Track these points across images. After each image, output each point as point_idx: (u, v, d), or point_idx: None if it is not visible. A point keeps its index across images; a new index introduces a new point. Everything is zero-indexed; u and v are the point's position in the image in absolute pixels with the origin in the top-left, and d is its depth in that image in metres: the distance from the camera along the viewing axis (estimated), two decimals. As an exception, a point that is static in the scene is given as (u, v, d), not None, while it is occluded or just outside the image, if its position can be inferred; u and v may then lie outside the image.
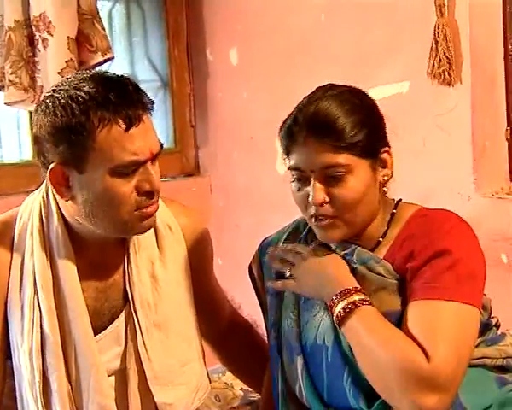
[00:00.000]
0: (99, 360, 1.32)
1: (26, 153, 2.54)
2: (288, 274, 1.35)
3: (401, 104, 2.01)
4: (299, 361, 1.32)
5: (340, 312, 1.22)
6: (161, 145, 1.29)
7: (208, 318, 1.56)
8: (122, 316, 1.37)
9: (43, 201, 1.36)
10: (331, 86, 1.31)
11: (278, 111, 2.50)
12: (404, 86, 2.03)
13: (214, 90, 2.79)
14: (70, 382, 1.31)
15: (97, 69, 2.24)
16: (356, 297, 1.22)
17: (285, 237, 1.45)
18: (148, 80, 2.78)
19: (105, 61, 2.43)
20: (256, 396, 1.74)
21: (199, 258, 1.50)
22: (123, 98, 1.21)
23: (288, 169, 1.30)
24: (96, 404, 1.31)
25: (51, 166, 1.25)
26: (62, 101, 1.22)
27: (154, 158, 1.27)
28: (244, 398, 1.79)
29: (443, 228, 1.24)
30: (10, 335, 1.33)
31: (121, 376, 1.37)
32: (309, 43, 2.37)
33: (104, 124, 1.20)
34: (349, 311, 1.22)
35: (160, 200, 1.43)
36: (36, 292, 1.31)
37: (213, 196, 2.84)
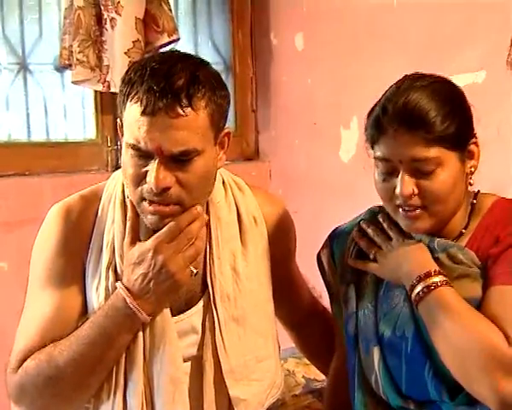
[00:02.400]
0: (173, 333, 1.32)
1: (90, 132, 2.57)
2: (372, 256, 1.36)
3: (476, 95, 1.94)
4: (376, 352, 1.32)
5: (419, 292, 1.23)
6: (190, 151, 1.22)
7: (288, 305, 1.57)
8: (200, 304, 1.37)
9: None
10: (419, 76, 1.30)
11: (343, 97, 2.52)
12: (479, 76, 1.97)
13: (277, 74, 2.77)
14: (143, 350, 1.31)
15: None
16: (436, 279, 1.22)
17: (357, 225, 1.44)
18: (211, 63, 2.76)
19: (170, 42, 2.45)
20: (319, 384, 1.74)
21: (281, 248, 1.49)
22: (159, 83, 1.19)
23: (373, 158, 1.30)
24: (168, 376, 1.31)
25: (118, 120, 1.31)
26: (130, 66, 1.27)
27: (168, 157, 1.21)
28: (306, 386, 1.79)
29: None
30: (88, 300, 1.35)
31: (197, 364, 1.36)
32: (378, 27, 2.32)
33: (132, 98, 1.21)
34: (428, 292, 1.22)
35: (247, 188, 1.47)
36: (114, 260, 1.33)
37: (272, 182, 2.83)
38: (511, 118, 1.91)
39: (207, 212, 1.37)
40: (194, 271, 1.29)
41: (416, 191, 1.25)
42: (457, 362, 1.17)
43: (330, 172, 2.54)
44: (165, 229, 1.26)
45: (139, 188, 1.24)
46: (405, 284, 1.27)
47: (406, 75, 1.31)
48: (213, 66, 2.96)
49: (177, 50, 1.34)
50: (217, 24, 2.85)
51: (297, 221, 2.77)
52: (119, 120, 1.31)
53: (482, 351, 1.13)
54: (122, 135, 1.29)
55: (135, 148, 1.22)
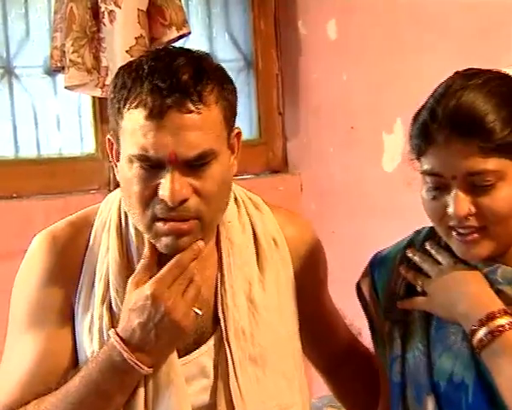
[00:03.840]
0: (180, 378, 1.31)
1: (88, 145, 2.58)
2: (419, 288, 1.35)
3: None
4: (430, 402, 1.30)
5: (482, 338, 1.21)
6: (206, 153, 1.23)
7: (321, 346, 1.57)
8: (211, 342, 1.36)
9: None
10: (474, 72, 1.27)
11: (385, 96, 2.49)
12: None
13: (307, 70, 2.76)
14: (145, 402, 1.30)
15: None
16: (502, 321, 1.20)
17: (403, 250, 1.42)
18: (228, 59, 2.79)
19: (180, 37, 2.45)
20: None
21: (308, 276, 1.48)
22: (160, 81, 1.20)
23: (422, 174, 1.27)
24: None
25: (108, 135, 1.32)
26: (119, 70, 1.28)
27: (183, 163, 1.22)
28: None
29: None
30: (78, 344, 1.34)
31: None
32: (421, 13, 2.31)
33: (130, 103, 1.22)
34: (493, 338, 1.20)
35: (265, 206, 1.46)
36: (108, 295, 1.33)
37: (304, 197, 2.83)
38: None
39: (218, 233, 1.38)
40: (200, 312, 1.30)
41: (473, 211, 1.22)
42: None
43: (371, 185, 2.53)
44: (164, 270, 1.26)
45: (149, 207, 1.25)
46: (463, 326, 1.25)
47: (457, 72, 1.28)
48: (232, 63, 2.95)
49: (172, 46, 1.34)
50: (234, 13, 2.86)
51: (333, 243, 2.75)
52: (109, 136, 1.31)
53: None
54: (116, 153, 1.30)
55: (142, 159, 1.22)
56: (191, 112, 1.20)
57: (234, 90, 1.30)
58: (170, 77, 1.20)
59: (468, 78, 1.26)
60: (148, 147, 1.21)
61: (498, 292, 1.26)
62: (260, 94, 2.85)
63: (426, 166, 1.25)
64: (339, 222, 2.66)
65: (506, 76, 1.29)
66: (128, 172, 1.25)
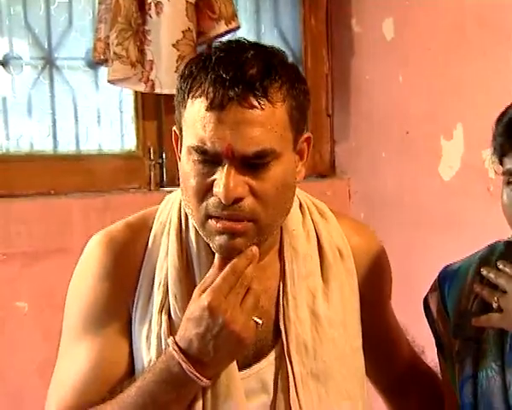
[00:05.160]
0: (240, 392, 1.32)
1: (129, 142, 2.57)
2: (495, 305, 1.33)
3: None
4: None
5: None
6: (267, 152, 1.22)
7: (382, 362, 1.56)
8: (271, 356, 1.36)
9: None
10: None
11: (444, 100, 2.44)
12: None
13: (360, 70, 2.74)
14: None
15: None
16: None
17: (476, 265, 1.43)
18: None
19: (229, 31, 2.45)
20: None
21: (373, 289, 1.48)
22: (224, 72, 1.21)
23: (503, 174, 1.28)
24: None
25: (174, 127, 1.34)
26: (189, 60, 1.29)
27: (240, 160, 1.22)
28: None
29: None
30: (135, 352, 1.36)
31: None
32: (488, 15, 2.25)
33: (194, 92, 1.23)
34: None
35: (331, 214, 1.46)
36: (167, 301, 1.34)
37: (353, 204, 2.80)
38: None
39: (281, 241, 1.38)
40: (260, 321, 1.29)
41: None
42: None
43: (426, 194, 2.48)
44: (219, 279, 1.26)
45: (204, 203, 1.25)
46: None
47: None
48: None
49: (244, 38, 1.34)
50: (284, 8, 2.85)
51: (384, 255, 2.69)
52: (175, 128, 1.32)
53: None
54: (181, 146, 1.30)
55: (200, 151, 1.22)
56: (253, 107, 1.20)
57: (306, 92, 1.30)
58: (235, 69, 1.20)
59: None
60: (206, 139, 1.21)
61: None
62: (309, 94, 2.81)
63: (509, 166, 1.25)
64: (389, 232, 2.59)
65: None
66: (186, 165, 1.26)
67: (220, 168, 1.22)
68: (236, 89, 1.19)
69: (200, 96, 1.22)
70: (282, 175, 1.24)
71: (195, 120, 1.23)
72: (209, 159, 1.22)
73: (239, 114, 1.20)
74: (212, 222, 1.25)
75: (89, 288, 1.36)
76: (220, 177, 1.22)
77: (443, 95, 2.40)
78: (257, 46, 1.27)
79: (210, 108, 1.20)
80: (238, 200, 1.22)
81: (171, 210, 1.39)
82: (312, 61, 2.84)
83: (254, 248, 1.27)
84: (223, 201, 1.21)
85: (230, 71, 1.20)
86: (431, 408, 1.56)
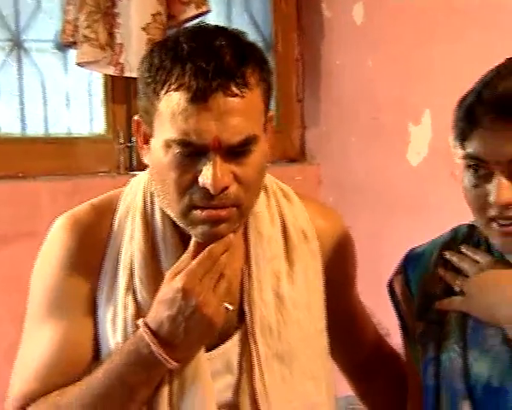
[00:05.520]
0: (207, 374, 1.32)
1: (99, 125, 2.56)
2: (457, 289, 1.34)
3: None
4: (466, 407, 1.30)
5: None
6: (250, 139, 1.24)
7: (347, 344, 1.57)
8: (236, 338, 1.37)
9: (150, 178, 1.37)
10: None
11: (412, 85, 2.45)
12: None
13: (330, 55, 2.74)
14: (169, 396, 1.31)
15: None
16: None
17: (440, 249, 1.43)
18: (247, 41, 2.75)
19: (199, 15, 2.44)
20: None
21: (337, 271, 1.49)
22: (204, 63, 1.20)
23: (464, 158, 1.28)
24: None
25: (135, 116, 1.33)
26: (154, 48, 1.28)
27: (226, 150, 1.22)
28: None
29: None
30: (101, 334, 1.35)
31: None
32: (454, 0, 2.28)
33: (169, 85, 1.22)
34: None
35: (296, 198, 1.46)
36: (132, 287, 1.34)
37: (322, 189, 2.80)
38: None
39: (246, 223, 1.38)
40: (230, 307, 1.31)
41: None
42: None
43: (395, 179, 2.51)
44: (195, 263, 1.26)
45: (186, 195, 1.25)
46: (507, 330, 1.26)
47: (510, 58, 1.29)
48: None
49: (203, 22, 1.35)
50: (255, -8, 2.84)
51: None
52: (138, 117, 1.31)
53: None
54: (144, 135, 1.30)
55: (183, 144, 1.22)
56: (235, 95, 1.21)
57: (271, 71, 1.31)
58: (213, 58, 1.20)
59: None
60: (191, 132, 1.21)
61: None
62: (279, 79, 2.81)
63: (469, 150, 1.25)
64: (358, 217, 2.63)
65: None
66: (164, 158, 1.25)
67: (205, 159, 1.22)
68: (219, 79, 1.19)
69: (179, 89, 1.21)
70: (260, 158, 1.27)
71: (175, 113, 1.21)
72: (193, 151, 1.22)
73: (222, 104, 1.20)
74: (196, 212, 1.25)
75: (53, 270, 1.35)
76: (207, 168, 1.22)
77: (411, 80, 2.42)
78: (223, 31, 1.27)
79: (193, 100, 1.20)
80: (224, 188, 1.23)
81: (136, 194, 1.39)
82: (283, 45, 2.84)
83: (231, 236, 1.28)
84: (212, 191, 1.22)
85: (210, 61, 1.20)
86: (395, 390, 1.57)
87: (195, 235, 1.28)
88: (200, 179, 1.22)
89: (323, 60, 2.76)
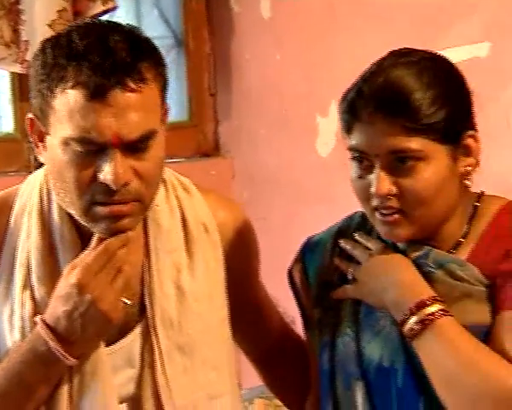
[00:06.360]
0: (106, 369, 1.32)
1: (7, 124, 2.54)
2: (350, 277, 1.37)
3: (478, 71, 1.95)
4: (360, 388, 1.32)
5: (413, 327, 1.23)
6: (149, 134, 1.25)
7: (253, 334, 1.59)
8: (137, 331, 1.36)
9: (46, 176, 1.35)
10: (406, 51, 1.31)
11: (318, 78, 2.50)
12: (482, 48, 1.98)
13: (240, 50, 2.76)
14: (69, 393, 1.30)
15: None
16: (433, 308, 1.23)
17: (335, 236, 1.45)
18: (157, 37, 2.74)
19: (106, 11, 2.42)
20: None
21: (240, 264, 1.50)
22: (104, 58, 1.20)
23: (348, 150, 1.31)
24: None
25: (28, 114, 1.31)
26: (46, 45, 1.26)
27: (125, 145, 1.23)
28: (277, 432, 1.80)
29: None
30: None
31: (134, 405, 1.35)
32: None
33: (65, 83, 1.21)
34: (424, 327, 1.22)
35: (195, 190, 1.46)
36: (30, 284, 1.32)
37: (236, 183, 2.83)
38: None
39: (144, 217, 1.37)
40: (129, 302, 1.31)
41: (395, 191, 1.25)
42: (464, 409, 1.19)
43: (305, 171, 2.54)
44: (90, 258, 1.26)
45: (87, 191, 1.24)
46: (393, 314, 1.28)
47: (392, 51, 1.31)
48: (161, 40, 2.92)
49: (98, 18, 1.34)
50: (164, -12, 2.84)
51: (265, 230, 2.74)
52: (31, 115, 1.30)
53: (493, 395, 1.15)
54: (39, 133, 1.29)
55: (82, 141, 1.21)
56: (133, 91, 1.21)
57: (166, 65, 1.31)
58: (109, 54, 1.20)
59: (400, 56, 1.29)
60: (90, 129, 1.20)
61: (429, 276, 1.28)
62: (191, 74, 2.83)
63: (352, 142, 1.28)
64: (271, 208, 2.67)
65: (438, 57, 1.31)
66: (62, 156, 1.24)
67: (104, 156, 1.22)
68: (116, 75, 1.19)
69: (76, 86, 1.20)
70: (160, 152, 1.27)
71: (72, 111, 1.21)
72: (93, 148, 1.22)
73: (121, 100, 1.20)
74: (98, 208, 1.25)
75: None
76: (108, 164, 1.21)
77: (318, 73, 2.46)
78: (116, 26, 1.27)
79: (91, 97, 1.19)
80: (126, 184, 1.23)
81: (32, 191, 1.37)
82: (194, 41, 2.83)
83: (130, 233, 1.28)
84: (113, 187, 1.22)
85: (106, 57, 1.19)
86: (300, 376, 1.57)
87: (99, 231, 1.27)
88: (101, 176, 1.22)
89: (233, 54, 2.77)
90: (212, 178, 2.75)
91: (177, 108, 2.82)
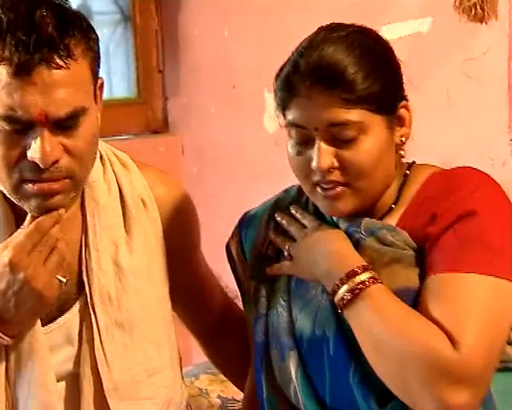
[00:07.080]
0: (44, 347, 1.32)
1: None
2: (286, 254, 1.37)
3: (420, 46, 1.98)
4: (293, 358, 1.33)
5: (344, 296, 1.24)
6: (78, 111, 1.23)
7: (195, 310, 1.60)
8: (75, 308, 1.36)
9: None
10: (337, 26, 1.31)
11: (267, 54, 2.51)
12: (424, 24, 1.99)
13: (188, 25, 2.76)
14: (7, 372, 1.31)
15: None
16: (363, 277, 1.23)
17: (270, 210, 1.46)
18: (104, 12, 2.72)
19: None
20: (237, 405, 1.77)
21: (180, 238, 1.50)
22: (24, 36, 1.17)
23: (285, 127, 1.30)
24: (38, 401, 1.30)
25: None
26: None
27: (53, 123, 1.21)
28: (223, 407, 1.82)
29: (468, 187, 1.26)
30: None
31: (73, 383, 1.35)
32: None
33: None
34: (354, 295, 1.23)
35: (133, 165, 1.46)
36: None
37: (185, 160, 2.84)
38: (463, 77, 1.95)
39: (82, 193, 1.38)
40: (64, 280, 1.30)
41: (336, 164, 1.26)
42: (393, 374, 1.19)
43: (253, 147, 2.55)
44: (22, 236, 1.25)
45: (16, 169, 1.23)
46: (325, 285, 1.29)
47: (321, 27, 1.32)
48: (107, 16, 2.86)
49: None
50: (110, -38, 2.83)
51: (215, 207, 2.78)
52: None
53: (422, 360, 1.15)
54: None
55: (8, 119, 1.20)
56: (60, 67, 1.19)
57: (97, 40, 1.29)
58: (34, 30, 1.18)
59: (331, 30, 1.29)
60: (16, 107, 1.19)
61: (360, 245, 1.29)
62: (139, 50, 2.81)
63: (289, 118, 1.28)
64: (220, 185, 2.68)
65: (370, 31, 1.33)
66: None
67: (32, 133, 1.21)
68: (41, 51, 1.17)
69: (0, 63, 1.18)
70: (91, 129, 1.26)
71: None
72: (20, 126, 1.20)
73: (47, 76, 1.18)
74: (28, 186, 1.24)
75: None
76: (35, 142, 1.20)
77: (266, 48, 2.45)
78: (45, 1, 1.23)
79: (16, 74, 1.17)
80: (55, 162, 1.22)
81: None
82: (141, 17, 2.81)
83: (62, 210, 1.27)
84: (41, 166, 1.20)
85: (31, 33, 1.17)
86: (241, 352, 1.57)
87: (29, 209, 1.26)
88: (29, 154, 1.21)
89: (181, 30, 2.77)
90: (161, 155, 2.75)
91: (125, 85, 2.82)
